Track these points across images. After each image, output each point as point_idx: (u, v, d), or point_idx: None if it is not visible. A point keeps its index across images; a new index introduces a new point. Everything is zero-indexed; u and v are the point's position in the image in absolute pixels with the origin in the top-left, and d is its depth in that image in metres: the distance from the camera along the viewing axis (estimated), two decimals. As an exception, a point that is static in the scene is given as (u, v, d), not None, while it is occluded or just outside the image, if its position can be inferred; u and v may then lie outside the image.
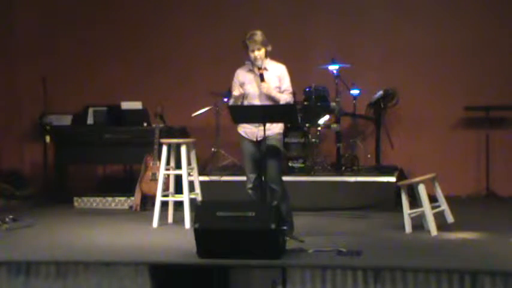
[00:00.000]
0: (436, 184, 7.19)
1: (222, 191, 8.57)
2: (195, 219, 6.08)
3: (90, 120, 9.58)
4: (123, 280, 5.90)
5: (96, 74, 10.35)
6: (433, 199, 7.19)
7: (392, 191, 8.42)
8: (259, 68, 6.67)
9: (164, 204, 7.78)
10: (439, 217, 7.12)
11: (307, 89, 9.14)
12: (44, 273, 6.00)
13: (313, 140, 9.06)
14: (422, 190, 6.99)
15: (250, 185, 6.75)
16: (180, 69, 10.25)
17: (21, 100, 10.61)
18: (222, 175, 8.87)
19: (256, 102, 6.70)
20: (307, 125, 8.99)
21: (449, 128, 9.85)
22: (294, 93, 7.31)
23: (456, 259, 5.97)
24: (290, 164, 8.94)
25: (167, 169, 7.81)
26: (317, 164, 9.02)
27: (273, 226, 5.88)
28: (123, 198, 9.11)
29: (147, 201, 8.78)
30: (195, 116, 9.40)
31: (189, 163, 7.75)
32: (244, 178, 6.88)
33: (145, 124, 9.26)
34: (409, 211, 7.11)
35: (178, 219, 7.77)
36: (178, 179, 7.90)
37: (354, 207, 8.45)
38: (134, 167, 9.58)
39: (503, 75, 9.66)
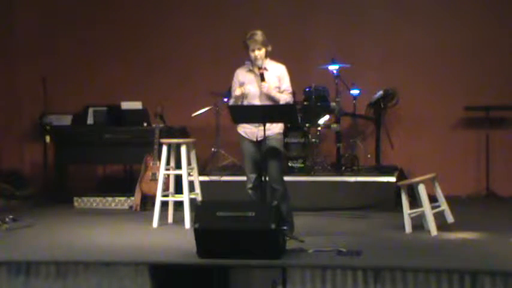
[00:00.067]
0: (436, 184, 7.19)
1: (222, 191, 8.57)
2: (195, 219, 6.08)
3: (90, 120, 9.58)
4: (123, 280, 5.90)
5: (96, 74, 10.35)
6: (433, 199, 7.19)
7: (392, 191, 8.42)
8: (260, 68, 6.67)
9: (164, 204, 7.78)
10: (439, 217, 7.12)
11: (307, 89, 9.14)
12: (44, 273, 6.00)
13: (313, 140, 9.06)
14: (422, 190, 6.99)
15: (250, 185, 6.76)
16: (180, 69, 10.25)
17: (21, 100, 10.61)
18: (222, 175, 8.87)
19: (256, 102, 6.70)
20: (307, 125, 8.99)
21: (449, 128, 9.85)
22: (293, 93, 7.33)
23: (456, 259, 5.97)
24: (290, 164, 8.94)
25: (167, 169, 7.81)
26: (317, 164, 9.02)
27: (273, 226, 5.88)
28: (123, 198, 9.11)
29: (147, 201, 8.78)
30: (195, 116, 9.40)
31: (189, 163, 7.75)
32: (244, 178, 6.88)
33: (145, 124, 9.26)
34: (409, 211, 7.11)
35: (178, 219, 7.77)
36: (178, 179, 7.90)
37: (354, 207, 8.45)
38: (134, 167, 9.57)
39: (503, 75, 9.66)
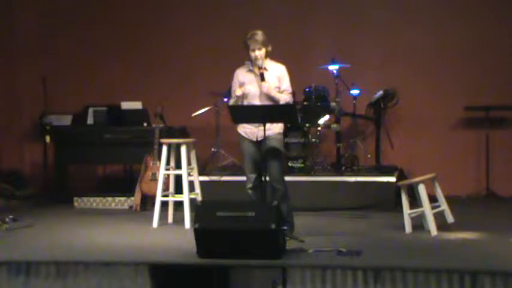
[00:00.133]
0: (436, 184, 7.19)
1: (222, 191, 8.57)
2: (195, 219, 6.08)
3: (90, 120, 9.58)
4: (123, 280, 5.90)
5: (96, 74, 10.35)
6: (433, 199, 7.19)
7: (392, 191, 8.42)
8: (260, 68, 6.67)
9: (164, 204, 7.78)
10: (439, 217, 7.12)
11: (307, 89, 9.14)
12: (44, 273, 6.00)
13: (313, 140, 9.06)
14: (422, 190, 6.99)
15: (250, 185, 6.76)
16: (180, 69, 10.25)
17: (21, 100, 10.61)
18: (222, 175, 8.87)
19: (256, 102, 6.71)
20: (307, 125, 8.99)
21: (449, 128, 9.85)
22: (293, 93, 7.33)
23: (456, 259, 5.97)
24: (290, 164, 8.94)
25: (167, 169, 7.81)
26: (317, 164, 9.02)
27: (273, 226, 5.88)
28: (123, 198, 9.11)
29: (147, 201, 8.78)
30: (195, 116, 9.40)
31: (189, 163, 7.75)
32: (244, 178, 6.88)
33: (145, 124, 9.26)
34: (409, 211, 7.11)
35: (178, 219, 7.77)
36: (178, 179, 7.90)
37: (354, 207, 8.45)
38: (134, 167, 9.57)
39: (503, 75, 9.66)
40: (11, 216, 7.64)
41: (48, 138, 9.64)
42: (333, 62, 9.17)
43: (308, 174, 8.87)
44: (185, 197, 7.63)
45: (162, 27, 10.31)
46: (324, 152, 9.34)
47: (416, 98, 9.71)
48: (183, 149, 7.69)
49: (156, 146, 8.58)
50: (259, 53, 6.66)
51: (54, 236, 7.30)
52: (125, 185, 9.54)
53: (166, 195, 7.88)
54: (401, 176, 8.87)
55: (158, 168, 7.96)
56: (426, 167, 8.52)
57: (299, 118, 8.27)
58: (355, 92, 9.33)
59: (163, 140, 7.91)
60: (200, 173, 8.18)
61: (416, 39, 9.84)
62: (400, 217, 7.24)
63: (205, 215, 6.07)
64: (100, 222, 8.14)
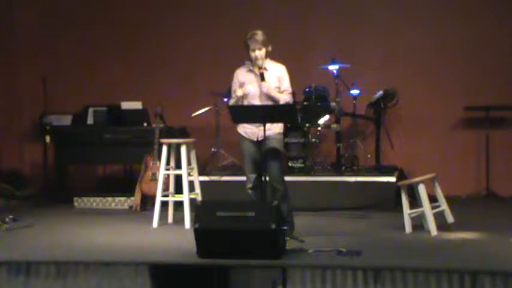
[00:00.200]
0: (436, 184, 7.19)
1: (222, 191, 8.57)
2: (195, 219, 6.08)
3: (90, 120, 9.58)
4: (123, 280, 5.90)
5: (96, 74, 10.35)
6: (433, 199, 7.18)
7: (392, 191, 8.42)
8: (260, 68, 6.67)
9: (164, 204, 7.78)
10: (439, 217, 7.12)
11: (307, 89, 9.14)
12: (44, 273, 6.00)
13: (313, 140, 9.06)
14: (422, 190, 6.99)
15: (250, 185, 6.76)
16: (180, 69, 10.25)
17: (21, 100, 10.61)
18: (222, 175, 8.87)
19: (257, 102, 6.71)
20: (307, 125, 8.99)
21: (449, 128, 9.85)
22: (293, 93, 7.33)
23: (456, 259, 5.97)
24: (290, 164, 8.94)
25: (167, 169, 7.81)
26: (317, 164, 9.02)
27: (273, 226, 5.88)
28: (123, 198, 9.11)
29: (147, 201, 8.78)
30: (195, 116, 9.40)
31: (189, 163, 7.75)
32: (244, 178, 6.88)
33: (145, 124, 9.25)
34: (409, 211, 7.11)
35: (178, 219, 7.77)
36: (178, 179, 7.90)
37: (354, 207, 8.45)
38: (134, 167, 9.57)
39: (503, 75, 9.66)
40: (11, 216, 7.64)
41: (48, 138, 9.64)
42: (333, 62, 9.17)
43: (308, 174, 8.87)
44: (185, 197, 7.63)
45: (162, 27, 10.31)
46: (324, 152, 9.34)
47: (416, 98, 9.71)
48: (183, 149, 7.69)
49: (156, 146, 8.58)
50: (260, 53, 6.66)
51: (54, 236, 7.30)
52: (124, 185, 9.54)
53: (166, 195, 7.88)
54: (401, 176, 8.87)
55: (158, 168, 7.96)
56: (426, 167, 8.51)
57: (299, 118, 8.27)
58: (355, 92, 9.33)
59: (163, 140, 7.91)
60: (200, 173, 8.18)
61: (416, 39, 9.84)
62: (400, 217, 7.24)
63: (205, 215, 6.07)
64: (100, 222, 8.14)
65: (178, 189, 7.86)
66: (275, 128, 6.75)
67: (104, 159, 9.66)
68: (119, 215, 8.59)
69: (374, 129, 9.53)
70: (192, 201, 7.44)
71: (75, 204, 9.19)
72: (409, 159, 9.59)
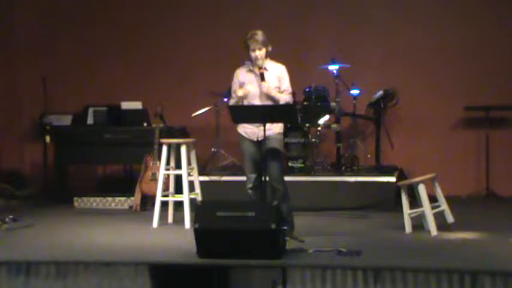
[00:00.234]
0: (436, 184, 7.19)
1: (222, 191, 8.57)
2: (195, 219, 6.08)
3: (90, 120, 9.58)
4: (123, 280, 5.90)
5: (96, 74, 10.35)
6: (433, 199, 7.18)
7: (392, 191, 8.42)
8: (260, 68, 6.67)
9: (164, 204, 7.78)
10: (439, 217, 7.12)
11: (307, 89, 9.14)
12: (44, 273, 6.00)
13: (313, 140, 9.06)
14: (422, 190, 6.99)
15: (250, 185, 6.76)
16: (180, 69, 10.25)
17: (21, 100, 10.61)
18: (222, 175, 8.87)
19: (257, 102, 6.70)
20: (307, 125, 8.99)
21: (449, 128, 9.85)
22: (293, 93, 7.33)
23: (456, 259, 5.97)
24: (290, 164, 8.94)
25: (167, 169, 7.81)
26: (317, 164, 9.02)
27: (273, 226, 5.88)
28: (123, 198, 9.11)
29: (147, 201, 8.78)
30: (195, 116, 9.40)
31: (189, 163, 7.75)
32: (244, 178, 6.88)
33: (145, 124, 9.25)
34: (409, 211, 7.11)
35: (178, 219, 7.77)
36: (178, 179, 7.90)
37: (354, 207, 8.45)
38: (134, 167, 9.57)
39: (503, 75, 9.66)
40: (11, 216, 7.64)
41: (48, 138, 9.64)
42: (333, 62, 9.17)
43: (308, 174, 8.87)
44: (185, 197, 7.63)
45: (162, 27, 10.31)
46: (324, 152, 9.34)
47: (416, 98, 9.71)
48: (183, 149, 7.69)
49: (156, 146, 8.58)
50: (260, 53, 6.66)
51: (54, 236, 7.30)
52: (124, 185, 9.54)
53: (166, 195, 7.88)
54: (401, 176, 8.87)
55: (158, 168, 7.96)
56: (426, 167, 8.51)
57: (299, 118, 8.27)
58: (355, 92, 9.33)
59: (163, 140, 7.91)
60: (200, 173, 8.18)
61: (416, 39, 9.84)
62: (400, 217, 7.24)
63: (205, 215, 6.07)
64: (100, 222, 8.14)
65: (178, 189, 7.86)
66: (275, 128, 6.75)
67: (104, 159, 9.66)
68: (119, 215, 8.59)
69: (374, 129, 9.53)
70: (192, 201, 7.44)
71: (75, 204, 9.19)
72: (409, 159, 9.59)
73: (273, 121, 6.65)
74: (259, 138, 6.67)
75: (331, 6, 10.01)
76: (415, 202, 7.18)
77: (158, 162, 8.25)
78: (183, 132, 9.31)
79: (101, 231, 7.56)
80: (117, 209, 9.06)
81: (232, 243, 5.92)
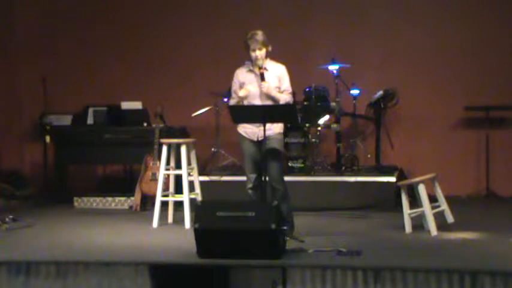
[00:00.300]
0: (436, 184, 7.19)
1: (222, 191, 8.57)
2: (195, 219, 6.08)
3: (90, 120, 9.58)
4: (123, 280, 5.90)
5: (96, 74, 10.35)
6: (433, 199, 7.18)
7: (392, 191, 8.42)
8: (260, 68, 6.67)
9: (164, 204, 7.78)
10: (439, 217, 7.12)
11: (307, 89, 9.14)
12: (44, 273, 6.00)
13: (313, 140, 9.06)
14: (422, 190, 6.99)
15: (250, 185, 6.76)
16: (180, 69, 10.25)
17: (21, 100, 10.61)
18: (222, 175, 8.87)
19: (257, 102, 6.70)
20: (307, 125, 8.99)
21: (449, 128, 9.85)
22: (293, 93, 7.33)
23: (456, 259, 5.97)
24: (290, 164, 8.94)
25: (167, 169, 7.81)
26: (317, 164, 9.02)
27: (273, 226, 5.88)
28: (123, 198, 9.11)
29: (147, 201, 8.78)
30: (195, 116, 9.40)
31: (189, 163, 7.75)
32: (244, 178, 6.88)
33: (145, 124, 9.26)
34: (409, 211, 7.11)
35: (178, 219, 7.77)
36: (178, 179, 7.90)
37: (354, 207, 8.45)
38: (134, 167, 9.57)
39: (503, 75, 9.66)
40: (11, 216, 7.64)
41: (48, 138, 9.64)
42: (333, 62, 9.17)
43: (308, 174, 8.87)
44: (185, 197, 7.63)
45: (162, 27, 10.31)
46: (324, 152, 9.34)
47: (416, 98, 9.71)
48: (183, 149, 7.69)
49: (156, 146, 8.58)
50: (260, 53, 6.66)
51: (54, 236, 7.30)
52: (125, 185, 9.54)
53: (166, 195, 7.88)
54: (401, 176, 8.87)
55: (158, 168, 7.96)
56: (426, 167, 8.52)
57: (299, 118, 8.28)
58: (355, 92, 9.33)
59: (163, 140, 7.91)
60: (200, 173, 8.18)
61: (416, 39, 9.84)
62: (400, 217, 7.24)
63: (205, 215, 6.07)
64: (100, 222, 8.14)
65: (178, 189, 7.86)
66: (275, 128, 6.75)
67: (104, 159, 9.66)
68: (119, 215, 8.59)
69: (374, 129, 9.53)
70: (192, 201, 7.44)
71: (75, 204, 9.19)
72: (409, 159, 9.59)
73: (273, 121, 6.65)
74: (260, 138, 6.67)
75: (331, 6, 10.01)
76: (415, 202, 7.18)
77: (158, 162, 8.25)
78: (183, 132, 9.31)
79: (101, 231, 7.56)
80: (117, 209, 9.06)
81: (232, 243, 5.92)
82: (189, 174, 7.73)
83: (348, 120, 9.70)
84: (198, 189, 7.89)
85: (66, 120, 9.72)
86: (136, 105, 9.38)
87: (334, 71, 9.18)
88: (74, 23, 10.50)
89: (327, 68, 9.23)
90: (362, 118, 9.59)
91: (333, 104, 9.12)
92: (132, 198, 8.96)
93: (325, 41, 9.92)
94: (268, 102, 6.69)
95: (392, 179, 8.59)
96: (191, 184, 7.79)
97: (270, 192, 6.66)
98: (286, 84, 6.78)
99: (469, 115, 9.75)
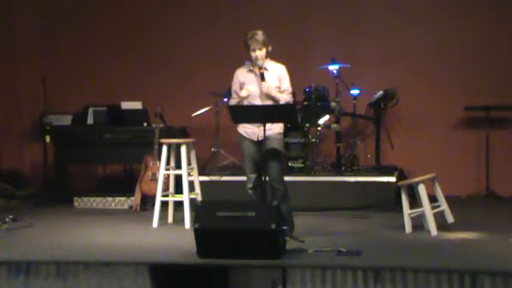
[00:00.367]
0: (436, 184, 7.19)
1: (222, 191, 8.57)
2: (195, 219, 6.08)
3: (90, 120, 9.58)
4: (123, 280, 5.90)
5: (96, 74, 10.35)
6: (433, 199, 7.18)
7: (392, 191, 8.42)
8: (260, 68, 6.67)
9: (164, 204, 7.78)
10: (439, 217, 7.12)
11: (307, 89, 9.14)
12: (44, 273, 6.00)
13: (313, 140, 9.06)
14: (422, 190, 6.99)
15: (250, 185, 6.76)
16: (180, 69, 10.25)
17: (21, 100, 10.61)
18: (222, 175, 8.87)
19: (257, 102, 6.70)
20: (307, 125, 8.99)
21: (449, 128, 9.85)
22: (293, 93, 7.33)
23: (456, 259, 5.97)
24: (290, 164, 8.94)
25: (167, 169, 7.81)
26: (317, 164, 9.02)
27: (273, 226, 5.88)
28: (123, 198, 9.11)
29: (147, 201, 8.78)
30: (195, 116, 9.40)
31: (189, 163, 7.75)
32: (244, 178, 6.88)
33: (145, 124, 9.26)
34: (409, 211, 7.11)
35: (178, 219, 7.77)
36: (178, 179, 7.90)
37: (354, 207, 8.45)
38: (134, 167, 9.58)
39: (503, 75, 9.66)
40: (11, 216, 7.64)
41: (48, 138, 9.64)
42: (333, 62, 9.17)
43: (308, 174, 8.87)
44: (185, 197, 7.63)
45: (162, 27, 10.31)
46: (324, 152, 9.34)
47: (416, 98, 9.71)
48: (183, 149, 7.69)
49: (156, 146, 8.58)
50: (260, 53, 6.66)
51: (54, 236, 7.30)
52: (125, 185, 9.54)
53: (166, 195, 7.88)
54: (401, 176, 8.87)
55: (158, 168, 7.96)
56: (426, 167, 8.51)
57: (299, 118, 8.28)
58: (355, 92, 9.33)
59: (163, 140, 7.91)
60: (200, 173, 8.18)
61: (416, 39, 9.84)
62: (400, 217, 7.24)
63: (205, 215, 6.07)
64: (100, 222, 8.14)
65: (178, 189, 7.86)
66: (275, 128, 6.75)
67: (104, 159, 9.66)
68: (119, 215, 8.59)
69: (374, 129, 9.53)
70: (192, 201, 7.44)
71: (75, 204, 9.20)
72: (409, 159, 9.59)
73: (273, 121, 6.65)
74: (260, 138, 6.66)
75: (331, 6, 10.01)
76: (415, 202, 7.18)
77: (158, 162, 8.25)
78: (183, 132, 9.31)
79: (101, 231, 7.56)
80: (117, 209, 9.06)
81: (232, 243, 5.92)
82: (189, 174, 7.73)
83: (348, 120, 9.70)
84: (198, 189, 7.89)
85: (66, 120, 9.72)
86: (136, 105, 9.38)
87: (334, 71, 9.18)
88: (74, 23, 10.50)
89: (327, 68, 9.23)
90: (362, 118, 9.59)
91: (333, 104, 9.12)
92: (132, 198, 8.96)
93: (325, 41, 9.92)
94: (269, 102, 6.70)
95: (392, 179, 8.59)
96: (191, 184, 7.79)
97: (270, 192, 6.66)
98: (286, 84, 6.78)
99: (469, 115, 9.75)
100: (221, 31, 10.07)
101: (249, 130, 6.76)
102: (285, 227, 6.21)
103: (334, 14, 10.02)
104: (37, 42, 10.59)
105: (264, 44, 6.66)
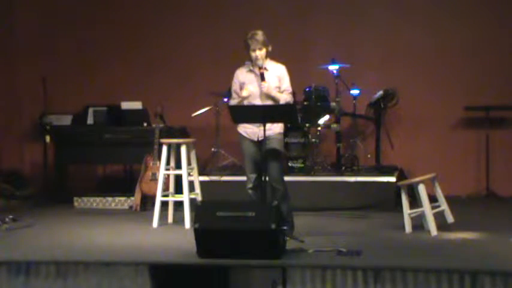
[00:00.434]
0: (436, 184, 7.19)
1: (222, 191, 8.57)
2: (195, 219, 6.08)
3: (90, 120, 9.58)
4: (123, 280, 5.90)
5: (96, 74, 10.36)
6: (433, 199, 7.18)
7: (392, 191, 8.42)
8: (260, 68, 6.68)
9: (164, 204, 7.78)
10: (439, 217, 7.12)
11: (307, 89, 9.14)
12: (44, 273, 6.00)
13: (313, 140, 9.06)
14: (422, 190, 6.99)
15: (250, 185, 6.76)
16: (180, 69, 10.25)
17: (21, 100, 10.61)
18: (222, 175, 8.87)
19: (257, 102, 6.70)
20: (307, 125, 8.99)
21: (449, 128, 9.85)
22: (293, 93, 7.33)
23: (456, 259, 5.97)
24: (290, 164, 8.94)
25: (167, 169, 7.81)
26: (317, 164, 9.02)
27: (273, 226, 5.88)
28: (123, 198, 9.11)
29: (147, 201, 8.78)
30: (195, 116, 9.40)
31: (189, 163, 7.75)
32: (244, 178, 6.89)
33: (145, 124, 9.26)
34: (409, 211, 7.11)
35: (178, 219, 7.78)
36: (178, 179, 7.90)
37: (354, 207, 8.45)
38: (134, 167, 9.58)
39: (503, 75, 9.67)
40: (11, 216, 7.64)
41: (48, 138, 9.64)
42: (333, 62, 9.17)
43: (308, 174, 8.87)
44: (185, 197, 7.63)
45: (162, 27, 10.31)
46: (324, 152, 9.34)
47: (416, 98, 9.71)
48: (183, 149, 7.69)
49: (156, 146, 8.58)
50: (260, 53, 6.66)
51: (54, 236, 7.30)
52: (125, 185, 9.54)
53: (166, 195, 7.88)
54: (401, 176, 8.87)
55: (158, 168, 7.96)
56: (426, 167, 8.51)
57: (299, 118, 8.28)
58: (355, 92, 9.33)
59: (163, 140, 7.91)
60: (200, 173, 8.18)
61: (416, 39, 9.84)
62: (400, 217, 7.24)
63: (205, 215, 6.07)
64: (100, 222, 8.14)
65: (178, 189, 7.86)
66: (275, 128, 6.75)
67: (104, 159, 9.66)
68: (119, 215, 8.59)
69: (374, 129, 9.53)
70: (192, 201, 7.44)
71: (75, 204, 9.20)
72: (409, 159, 9.59)
73: (273, 121, 6.65)
74: (260, 138, 6.67)
75: (331, 6, 10.02)
76: (415, 202, 7.18)
77: (158, 162, 8.25)
78: (183, 132, 9.31)
79: (101, 231, 7.56)
80: (117, 209, 9.06)
81: (232, 243, 5.92)
82: (189, 174, 7.73)
83: (348, 120, 9.70)
84: (198, 189, 7.89)
85: (66, 120, 9.72)
86: (136, 105, 9.38)
87: (334, 71, 9.18)
88: (74, 23, 10.51)
89: (327, 68, 9.23)
90: (362, 118, 9.59)
91: (333, 104, 9.12)
92: (132, 198, 8.96)
93: (325, 41, 9.92)
94: (269, 102, 6.70)
95: (392, 179, 8.59)
96: (191, 184, 7.79)
97: (270, 192, 6.66)
98: (286, 84, 6.78)
99: (469, 115, 9.75)
100: (221, 31, 10.07)
101: (249, 130, 6.76)
102: (285, 227, 6.22)
103: (334, 14, 10.02)
104: (37, 42, 10.59)
105: (264, 44, 6.66)
